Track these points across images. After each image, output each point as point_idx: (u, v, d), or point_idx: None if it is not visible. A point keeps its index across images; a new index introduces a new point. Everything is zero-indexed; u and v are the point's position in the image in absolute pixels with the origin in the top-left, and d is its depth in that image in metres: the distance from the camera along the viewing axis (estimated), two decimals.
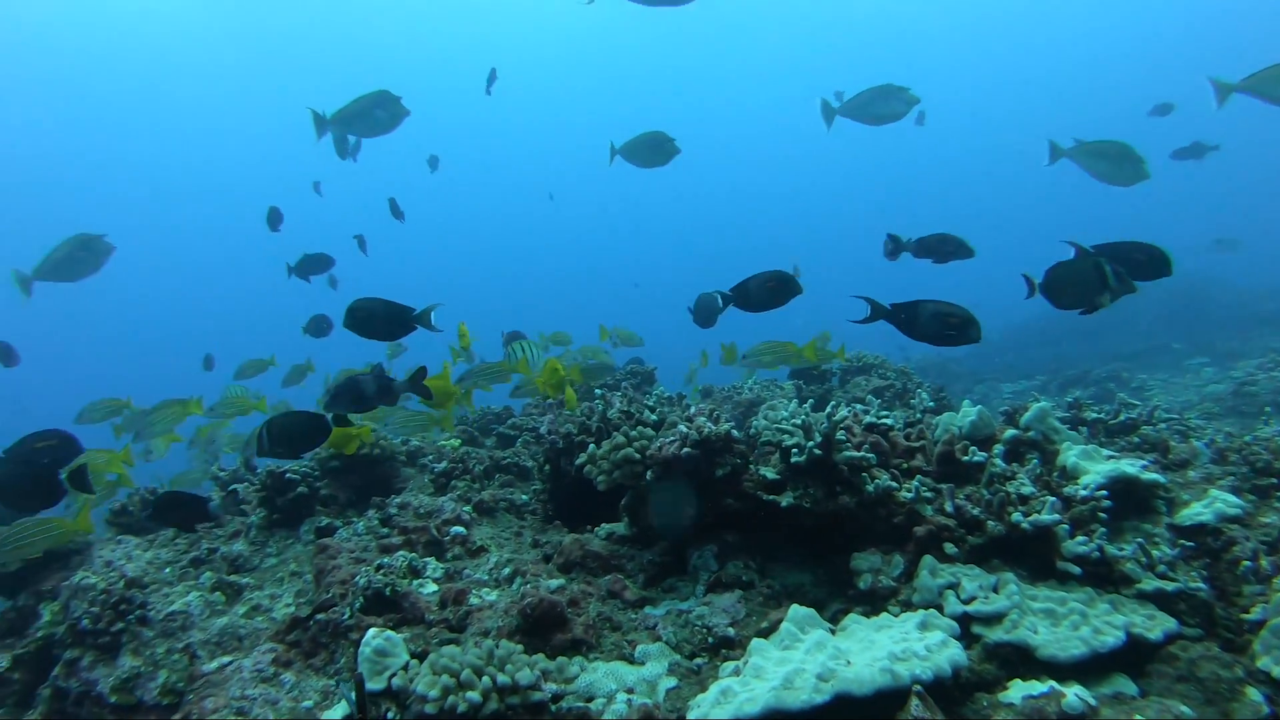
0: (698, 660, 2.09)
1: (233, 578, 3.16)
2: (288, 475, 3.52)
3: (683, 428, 2.41)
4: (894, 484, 2.34)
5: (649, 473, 2.46)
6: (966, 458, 2.45)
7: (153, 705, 2.63)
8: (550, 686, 1.82)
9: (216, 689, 2.37)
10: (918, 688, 1.55)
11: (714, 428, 2.39)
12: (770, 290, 3.14)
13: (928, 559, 2.12)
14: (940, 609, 1.96)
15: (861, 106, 4.80)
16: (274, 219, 5.82)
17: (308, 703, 2.27)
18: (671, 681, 1.99)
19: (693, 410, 2.57)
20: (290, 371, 5.83)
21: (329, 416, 3.20)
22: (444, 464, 3.65)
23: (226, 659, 2.61)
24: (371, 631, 1.91)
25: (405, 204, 6.75)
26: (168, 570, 3.29)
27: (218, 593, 3.03)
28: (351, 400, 3.22)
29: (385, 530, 3.10)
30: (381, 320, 3.20)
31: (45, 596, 3.35)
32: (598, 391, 3.21)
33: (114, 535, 3.67)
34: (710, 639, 2.14)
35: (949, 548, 2.16)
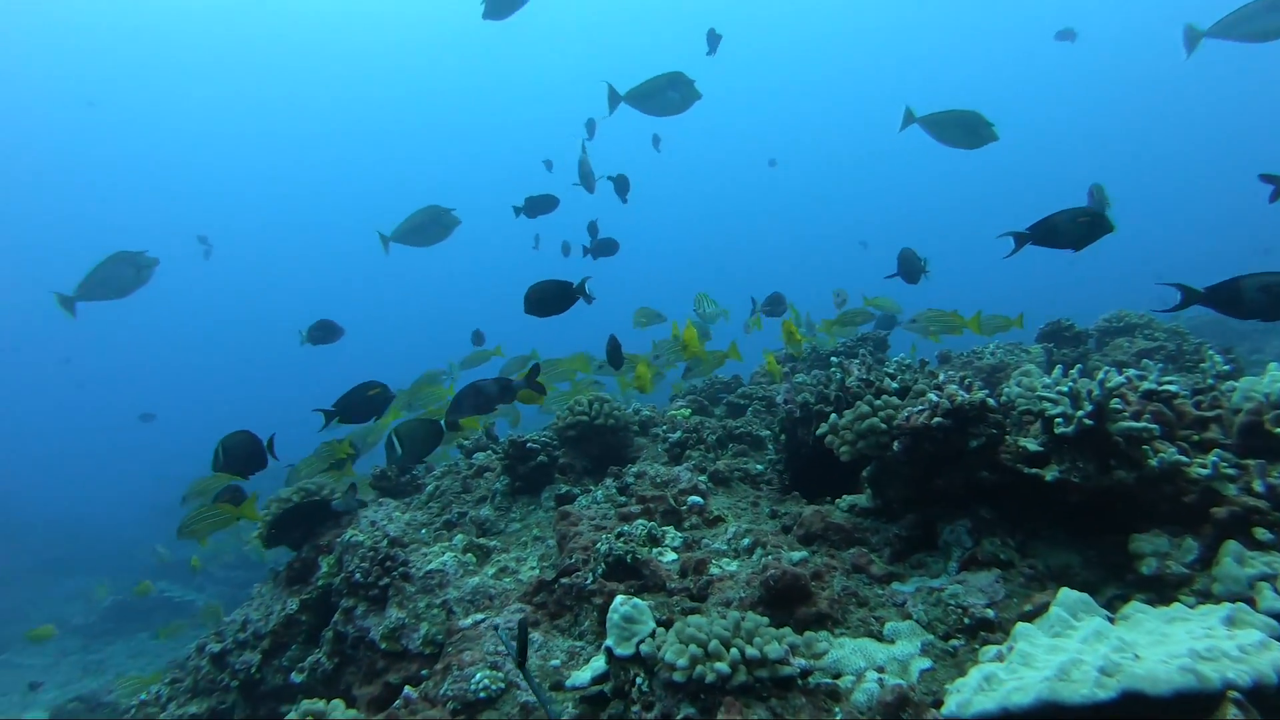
0: (953, 642, 1.96)
1: (481, 540, 3.36)
2: (529, 444, 3.71)
3: (933, 396, 2.25)
4: (1183, 458, 2.06)
5: (895, 443, 2.34)
6: None
7: (416, 654, 2.85)
8: (799, 661, 1.77)
9: (472, 643, 2.53)
10: (1234, 694, 1.34)
11: (968, 396, 2.22)
12: (1083, 225, 2.85)
13: (1232, 544, 1.85)
14: (1252, 603, 1.70)
15: (1241, 22, 4.16)
16: (540, 205, 6.02)
17: (555, 661, 2.37)
18: (925, 663, 1.89)
19: (942, 377, 2.40)
20: (509, 362, 6.16)
21: (442, 422, 3.67)
22: (678, 434, 3.69)
23: (480, 616, 2.78)
24: (619, 598, 1.95)
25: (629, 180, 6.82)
26: (423, 531, 3.58)
27: (469, 554, 3.22)
28: (474, 404, 3.61)
29: (623, 499, 3.19)
30: (554, 299, 3.49)
31: (323, 550, 3.77)
32: (834, 359, 3.10)
33: (376, 498, 4.06)
34: (966, 620, 2.01)
35: (1260, 533, 1.87)
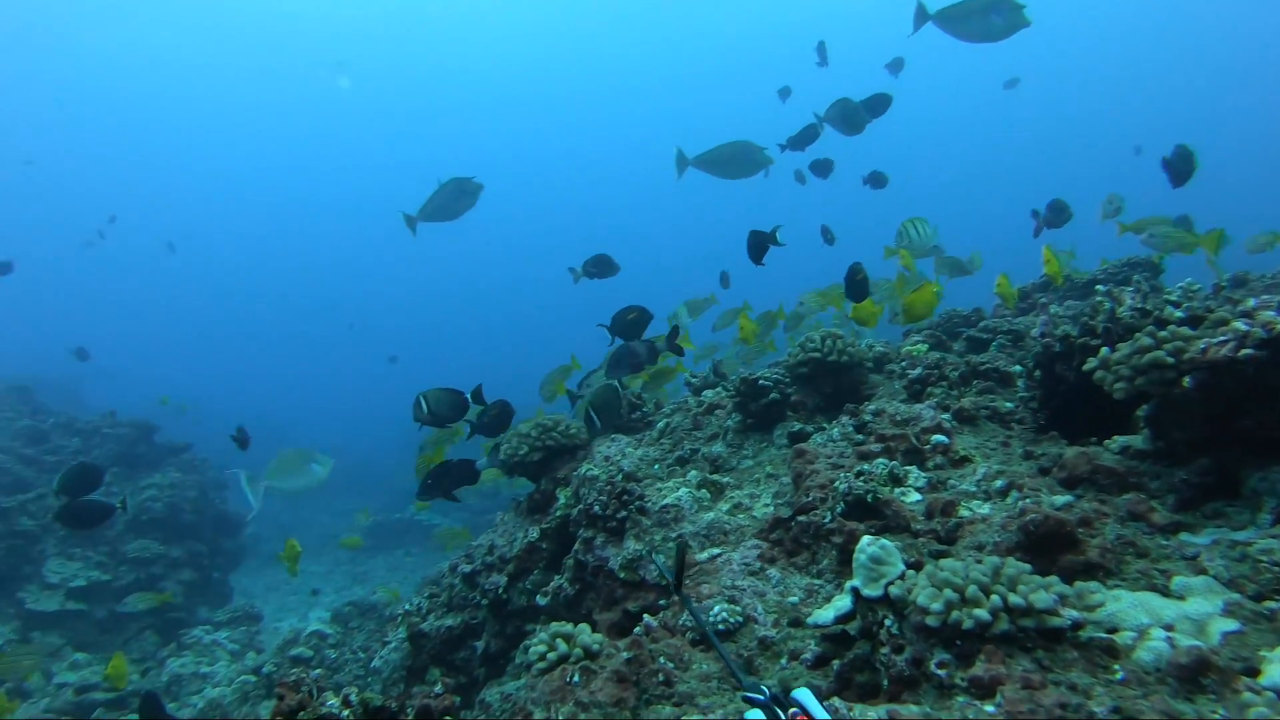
0: (1269, 604, 1.67)
1: (715, 476, 3.36)
2: (761, 382, 3.64)
3: (1241, 324, 1.92)
4: None
5: (1186, 379, 2.03)
6: None
7: (653, 585, 2.91)
8: (1069, 613, 1.59)
9: (710, 577, 2.53)
10: None
11: None
12: None
13: None
14: None
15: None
16: (804, 138, 5.80)
17: (793, 598, 2.32)
18: (1230, 624, 1.63)
19: (1254, 303, 2.04)
20: (724, 314, 6.12)
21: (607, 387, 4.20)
22: (919, 370, 3.47)
23: (715, 550, 2.78)
24: (866, 539, 1.85)
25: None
26: (656, 467, 3.62)
27: (703, 490, 3.23)
28: (630, 365, 4.18)
29: (861, 437, 3.05)
30: (756, 249, 3.79)
31: (560, 483, 3.93)
32: (1100, 288, 2.75)
33: (608, 433, 4.17)
34: None
35: None
